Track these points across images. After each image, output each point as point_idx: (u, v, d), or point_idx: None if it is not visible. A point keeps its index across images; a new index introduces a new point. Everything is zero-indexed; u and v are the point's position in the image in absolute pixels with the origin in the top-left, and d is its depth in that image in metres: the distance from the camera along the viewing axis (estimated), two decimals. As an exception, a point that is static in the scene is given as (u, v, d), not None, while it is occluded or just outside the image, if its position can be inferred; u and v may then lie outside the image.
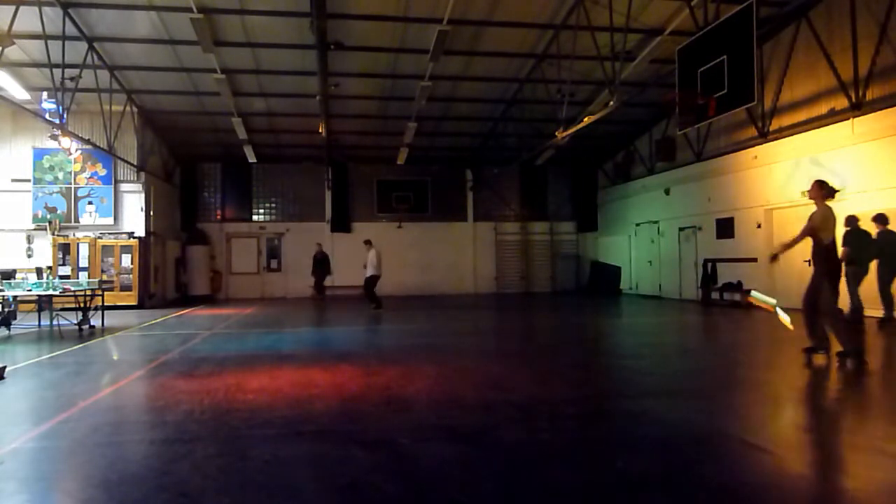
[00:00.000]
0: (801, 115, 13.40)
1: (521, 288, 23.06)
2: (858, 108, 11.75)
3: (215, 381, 6.21)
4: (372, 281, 15.21)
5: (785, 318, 7.06)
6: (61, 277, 14.48)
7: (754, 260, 14.93)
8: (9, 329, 10.85)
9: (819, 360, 6.72)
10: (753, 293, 7.92)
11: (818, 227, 6.73)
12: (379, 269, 15.25)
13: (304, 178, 22.08)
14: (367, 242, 15.78)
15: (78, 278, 15.01)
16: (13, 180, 16.59)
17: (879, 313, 10.51)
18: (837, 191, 7.25)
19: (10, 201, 16.56)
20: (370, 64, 14.95)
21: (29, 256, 16.40)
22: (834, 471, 3.47)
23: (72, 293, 11.03)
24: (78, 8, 12.08)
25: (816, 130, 12.83)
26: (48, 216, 16.67)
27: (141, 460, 3.81)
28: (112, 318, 12.50)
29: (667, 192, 18.64)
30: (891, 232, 10.30)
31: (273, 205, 22.19)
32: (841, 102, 12.19)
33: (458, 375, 6.55)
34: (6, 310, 10.90)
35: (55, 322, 11.08)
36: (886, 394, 5.72)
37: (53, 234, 16.48)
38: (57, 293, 10.65)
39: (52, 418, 4.75)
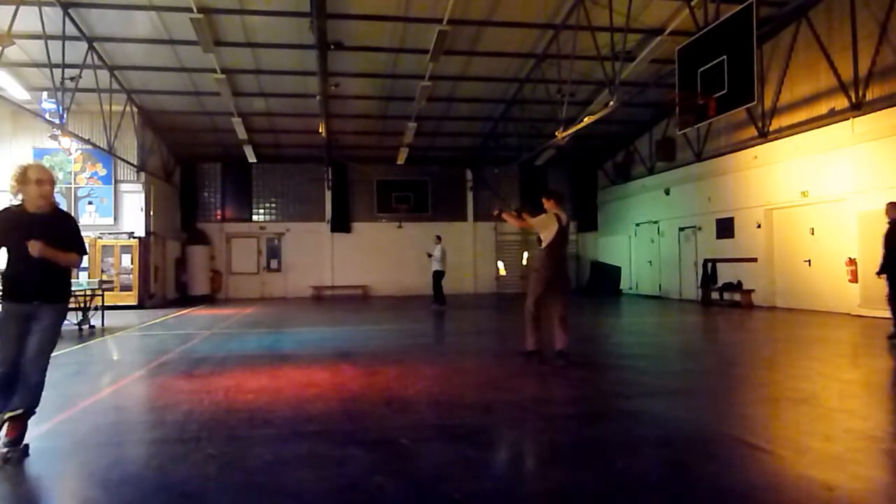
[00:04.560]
0: (801, 115, 13.40)
1: (522, 288, 23.02)
2: (858, 108, 11.75)
3: (215, 381, 6.21)
4: (439, 276, 15.74)
5: (500, 266, 7.72)
6: (61, 277, 14.45)
7: (754, 260, 14.93)
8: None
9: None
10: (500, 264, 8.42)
11: (539, 228, 7.03)
12: (443, 264, 15.81)
13: (304, 178, 22.08)
14: (438, 238, 16.23)
15: (78, 278, 15.01)
16: (13, 180, 16.58)
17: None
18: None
19: (10, 201, 16.55)
20: (370, 64, 14.95)
21: None
22: (840, 472, 3.47)
23: (72, 293, 11.02)
24: (78, 8, 12.08)
25: (816, 130, 12.84)
26: (48, 216, 16.65)
27: (141, 460, 3.81)
28: (112, 318, 12.51)
29: (667, 192, 18.64)
30: None
31: (273, 205, 22.19)
32: (841, 102, 12.19)
33: (458, 375, 6.55)
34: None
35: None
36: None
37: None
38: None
39: (52, 418, 4.75)
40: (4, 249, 4.00)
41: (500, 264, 7.60)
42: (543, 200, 7.30)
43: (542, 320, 7.02)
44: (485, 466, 3.58)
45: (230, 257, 21.77)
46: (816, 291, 13.14)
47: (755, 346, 9.17)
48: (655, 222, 19.50)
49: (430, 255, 15.97)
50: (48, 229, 3.96)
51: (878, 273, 8.63)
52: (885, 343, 8.32)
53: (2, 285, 4.16)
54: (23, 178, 3.99)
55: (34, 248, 3.83)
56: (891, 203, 8.51)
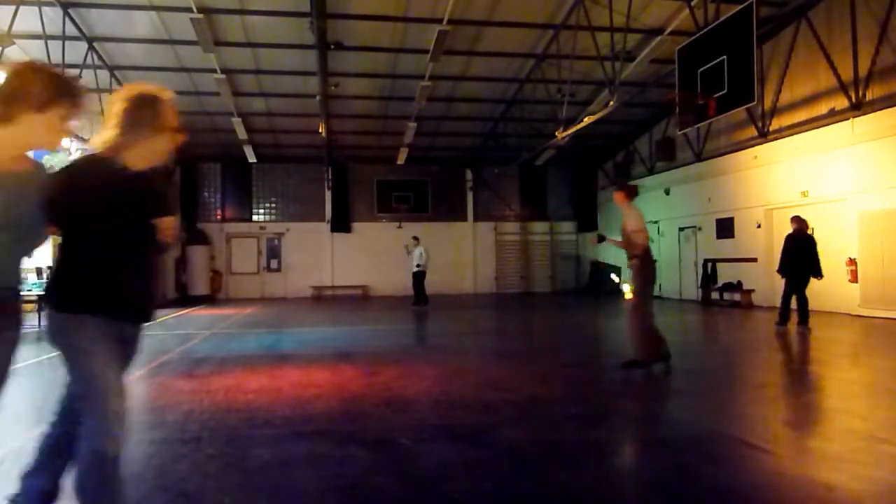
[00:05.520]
0: (801, 115, 13.39)
1: (521, 288, 23.07)
2: (858, 108, 11.75)
3: (215, 381, 6.20)
4: (419, 277, 15.80)
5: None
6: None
7: (754, 260, 14.93)
8: (9, 329, 10.83)
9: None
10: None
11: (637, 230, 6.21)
12: (424, 265, 15.92)
13: (304, 178, 22.08)
14: (416, 239, 16.11)
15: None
16: (13, 180, 16.59)
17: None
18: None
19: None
20: (370, 64, 14.95)
21: (29, 256, 16.39)
22: (840, 472, 3.47)
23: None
24: (78, 8, 12.08)
25: (816, 130, 12.83)
26: (48, 216, 16.66)
27: (141, 460, 3.81)
28: (112, 318, 12.48)
29: (667, 192, 18.64)
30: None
31: (273, 205, 22.19)
32: (841, 102, 12.18)
33: (458, 375, 6.55)
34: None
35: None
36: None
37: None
38: (57, 293, 10.64)
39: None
40: (57, 233, 2.42)
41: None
42: (621, 194, 6.43)
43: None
44: (485, 466, 3.58)
45: (230, 257, 21.77)
46: (816, 291, 13.08)
47: (755, 346, 9.17)
48: (655, 222, 19.48)
49: (407, 250, 16.06)
50: (159, 200, 2.48)
51: (778, 271, 10.16)
52: (773, 329, 9.41)
53: (77, 289, 2.37)
54: (156, 117, 2.38)
55: (172, 227, 2.44)
56: (794, 216, 10.05)
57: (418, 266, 15.74)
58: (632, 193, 6.44)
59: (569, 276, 23.44)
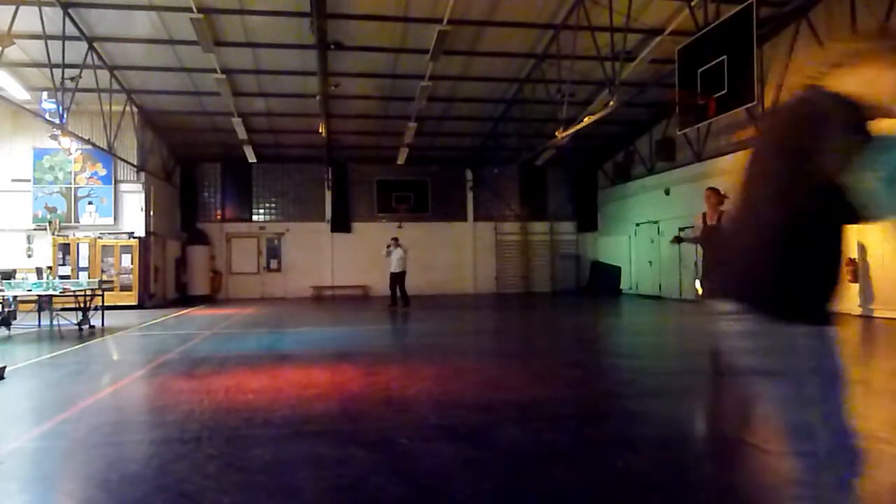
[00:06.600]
0: (801, 115, 13.36)
1: (522, 288, 23.05)
2: (858, 108, 11.74)
3: (215, 381, 6.20)
4: (396, 278, 15.92)
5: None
6: (61, 277, 14.48)
7: (754, 260, 14.92)
8: (9, 329, 10.85)
9: None
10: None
11: None
12: (400, 266, 16.09)
13: (304, 178, 22.08)
14: (396, 240, 16.26)
15: (78, 278, 15.02)
16: (13, 180, 16.59)
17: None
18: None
19: (10, 201, 16.56)
20: (370, 64, 14.95)
21: (29, 256, 16.40)
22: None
23: (72, 293, 11.04)
24: (78, 8, 12.07)
25: (816, 130, 12.81)
26: (48, 216, 16.67)
27: (141, 460, 3.81)
28: (112, 318, 12.49)
29: (667, 192, 18.63)
30: None
31: (273, 205, 22.18)
32: (841, 102, 12.16)
33: (458, 375, 6.55)
34: (6, 310, 10.90)
35: (55, 322, 11.08)
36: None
37: (53, 234, 16.48)
38: (57, 293, 10.65)
39: (52, 418, 4.75)
40: None
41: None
42: (722, 199, 6.44)
43: None
44: (485, 466, 3.58)
45: (230, 257, 21.75)
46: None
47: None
48: (655, 222, 19.49)
49: (387, 253, 16.23)
50: None
51: None
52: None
53: None
54: None
55: None
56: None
57: (399, 268, 15.96)
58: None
59: (569, 276, 23.42)
